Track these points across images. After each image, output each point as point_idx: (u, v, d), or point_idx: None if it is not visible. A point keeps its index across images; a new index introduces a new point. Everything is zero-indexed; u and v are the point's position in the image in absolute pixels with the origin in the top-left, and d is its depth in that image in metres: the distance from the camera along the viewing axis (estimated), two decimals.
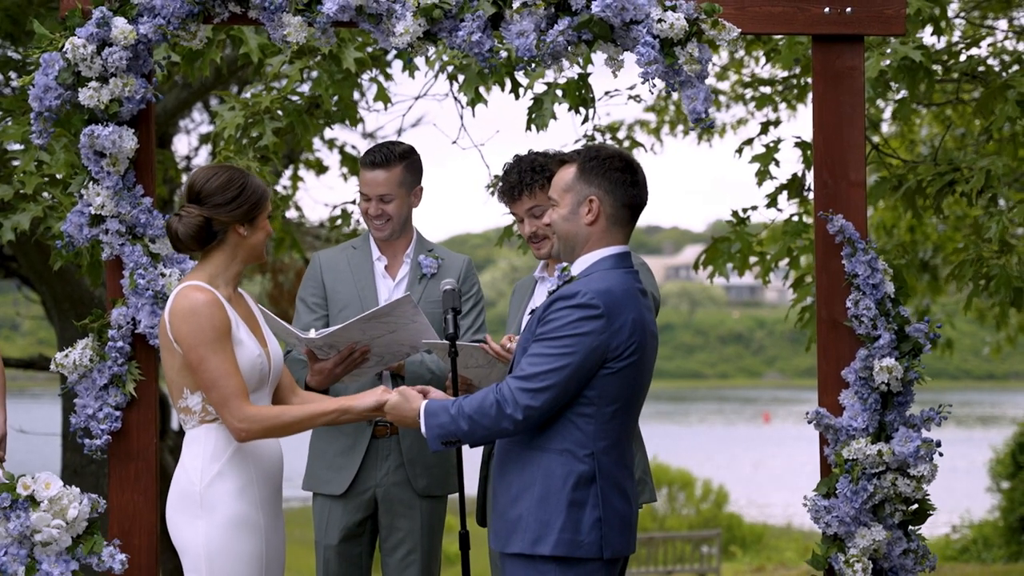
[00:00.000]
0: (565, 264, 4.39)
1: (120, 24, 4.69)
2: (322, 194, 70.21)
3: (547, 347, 4.17)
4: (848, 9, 4.90)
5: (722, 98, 11.69)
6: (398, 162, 5.45)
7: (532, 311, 4.43)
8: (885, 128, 11.44)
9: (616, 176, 4.30)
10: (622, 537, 4.26)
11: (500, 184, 5.35)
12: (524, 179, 5.24)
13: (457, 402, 4.24)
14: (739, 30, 4.75)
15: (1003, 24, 10.02)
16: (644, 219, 4.36)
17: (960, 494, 23.59)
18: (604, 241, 4.33)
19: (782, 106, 10.25)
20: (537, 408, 4.15)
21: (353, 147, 9.70)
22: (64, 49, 4.68)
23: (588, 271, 4.30)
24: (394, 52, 4.86)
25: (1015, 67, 8.21)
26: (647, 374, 4.31)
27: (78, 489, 4.43)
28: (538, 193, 5.20)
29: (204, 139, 12.65)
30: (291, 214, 11.39)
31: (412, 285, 5.51)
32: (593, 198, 4.30)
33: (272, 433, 4.45)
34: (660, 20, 4.65)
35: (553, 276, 4.53)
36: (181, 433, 13.04)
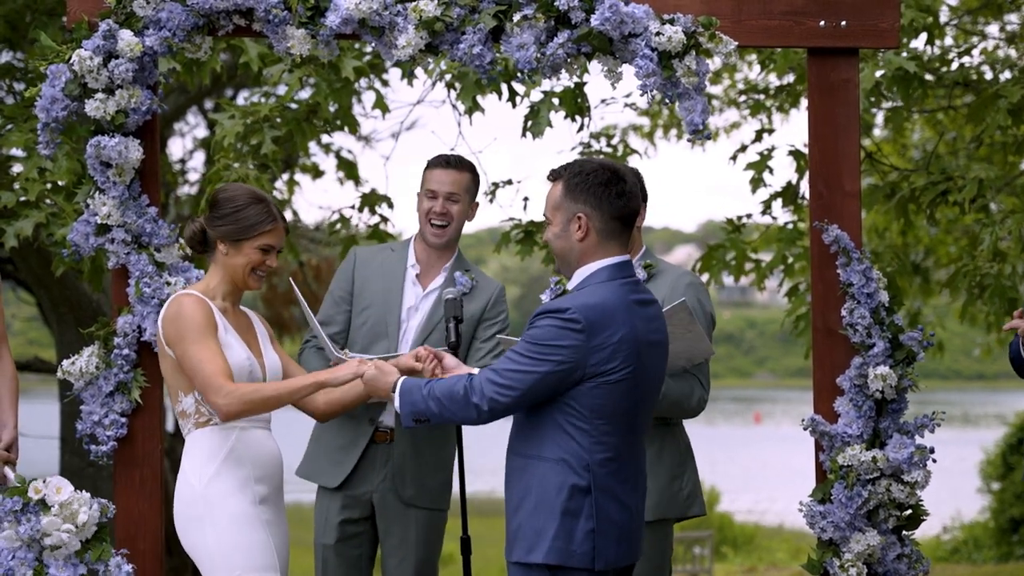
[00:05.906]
0: (559, 278, 4.43)
1: (126, 37, 4.75)
2: (317, 197, 72.04)
3: (524, 350, 4.23)
4: (843, 23, 4.96)
5: (715, 102, 11.73)
6: (468, 168, 5.49)
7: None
8: (877, 133, 11.48)
9: (601, 191, 4.28)
10: (619, 547, 4.26)
11: None
12: None
13: (429, 383, 4.33)
14: (736, 43, 4.82)
15: (994, 30, 10.07)
16: None
17: (951, 495, 23.62)
18: (599, 254, 4.32)
19: (776, 113, 10.27)
20: (500, 403, 4.21)
21: (349, 151, 9.72)
22: (71, 61, 4.74)
23: (582, 284, 4.32)
24: (394, 61, 4.91)
25: (1006, 74, 8.28)
26: (647, 386, 4.31)
27: (88, 494, 4.49)
28: None
29: (200, 143, 12.69)
30: (287, 217, 11.40)
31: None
32: (581, 215, 4.29)
33: (253, 407, 4.51)
34: (658, 33, 4.72)
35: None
36: (173, 436, 13.16)
